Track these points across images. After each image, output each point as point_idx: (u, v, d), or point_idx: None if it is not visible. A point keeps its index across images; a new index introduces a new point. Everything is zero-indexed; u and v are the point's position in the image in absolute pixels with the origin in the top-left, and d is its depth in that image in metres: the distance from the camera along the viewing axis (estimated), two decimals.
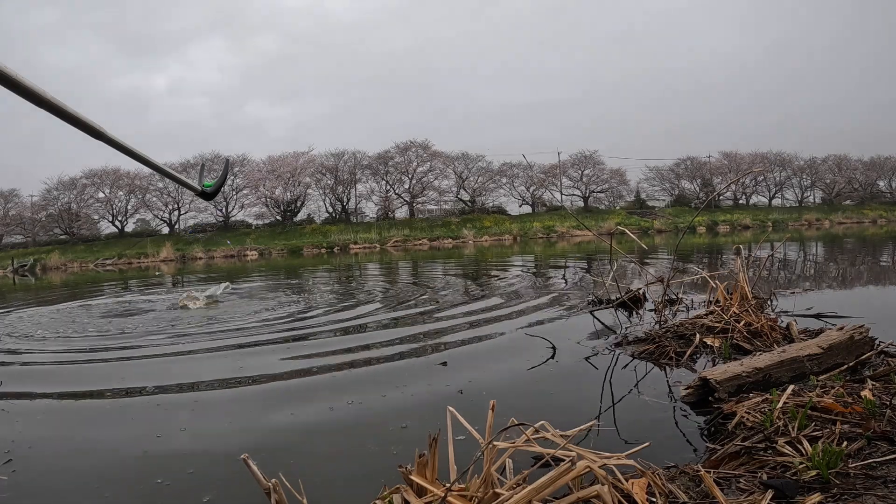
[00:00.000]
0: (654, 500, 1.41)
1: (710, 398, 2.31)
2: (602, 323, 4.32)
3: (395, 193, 39.58)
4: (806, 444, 1.67)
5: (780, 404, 1.95)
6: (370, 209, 40.65)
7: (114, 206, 36.98)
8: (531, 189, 41.20)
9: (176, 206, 37.30)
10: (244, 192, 37.62)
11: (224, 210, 37.68)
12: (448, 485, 1.38)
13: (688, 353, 3.15)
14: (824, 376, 2.38)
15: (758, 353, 2.75)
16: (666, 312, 4.17)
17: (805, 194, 45.23)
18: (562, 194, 41.52)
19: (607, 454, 1.45)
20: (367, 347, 3.92)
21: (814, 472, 1.52)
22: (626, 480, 1.43)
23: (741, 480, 1.55)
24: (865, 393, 2.01)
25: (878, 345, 2.72)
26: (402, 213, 40.16)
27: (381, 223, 37.45)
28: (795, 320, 3.54)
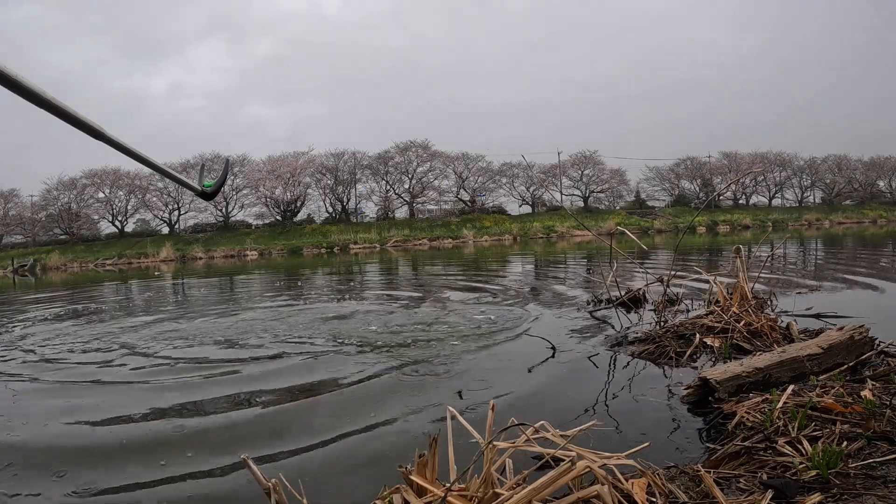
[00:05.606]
0: (654, 500, 1.41)
1: (710, 398, 2.31)
2: (603, 322, 4.32)
3: (395, 193, 39.57)
4: (806, 444, 1.67)
5: (780, 404, 1.95)
6: (370, 209, 40.68)
7: (114, 206, 36.99)
8: (531, 189, 41.16)
9: (176, 206, 37.30)
10: (244, 192, 37.63)
11: (224, 210, 37.68)
12: (448, 485, 1.38)
13: (688, 353, 3.14)
14: (824, 376, 2.37)
15: (758, 353, 2.75)
16: (666, 312, 4.17)
17: (805, 194, 45.20)
18: (562, 194, 41.47)
19: (607, 454, 1.45)
20: (368, 346, 3.91)
21: (814, 472, 1.51)
22: (626, 480, 1.43)
23: (741, 480, 1.55)
24: (865, 393, 2.01)
25: (878, 345, 2.71)
26: (402, 213, 40.16)
27: (381, 223, 37.43)
28: (795, 320, 3.54)
